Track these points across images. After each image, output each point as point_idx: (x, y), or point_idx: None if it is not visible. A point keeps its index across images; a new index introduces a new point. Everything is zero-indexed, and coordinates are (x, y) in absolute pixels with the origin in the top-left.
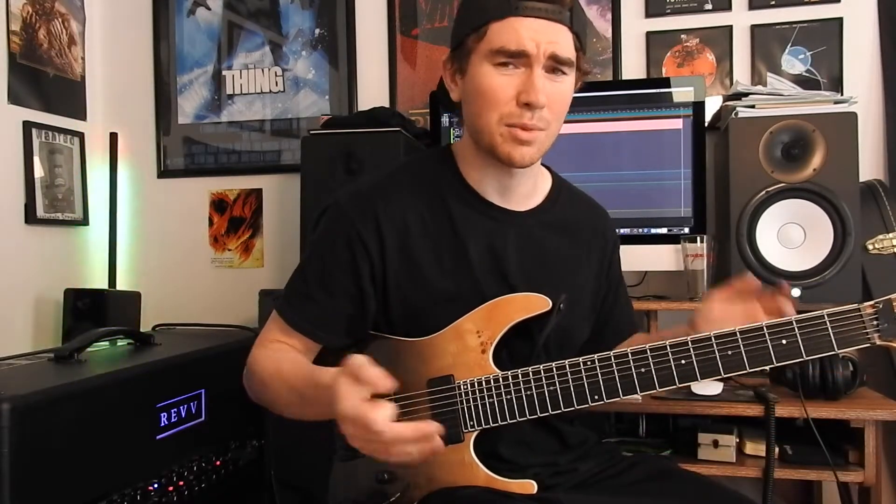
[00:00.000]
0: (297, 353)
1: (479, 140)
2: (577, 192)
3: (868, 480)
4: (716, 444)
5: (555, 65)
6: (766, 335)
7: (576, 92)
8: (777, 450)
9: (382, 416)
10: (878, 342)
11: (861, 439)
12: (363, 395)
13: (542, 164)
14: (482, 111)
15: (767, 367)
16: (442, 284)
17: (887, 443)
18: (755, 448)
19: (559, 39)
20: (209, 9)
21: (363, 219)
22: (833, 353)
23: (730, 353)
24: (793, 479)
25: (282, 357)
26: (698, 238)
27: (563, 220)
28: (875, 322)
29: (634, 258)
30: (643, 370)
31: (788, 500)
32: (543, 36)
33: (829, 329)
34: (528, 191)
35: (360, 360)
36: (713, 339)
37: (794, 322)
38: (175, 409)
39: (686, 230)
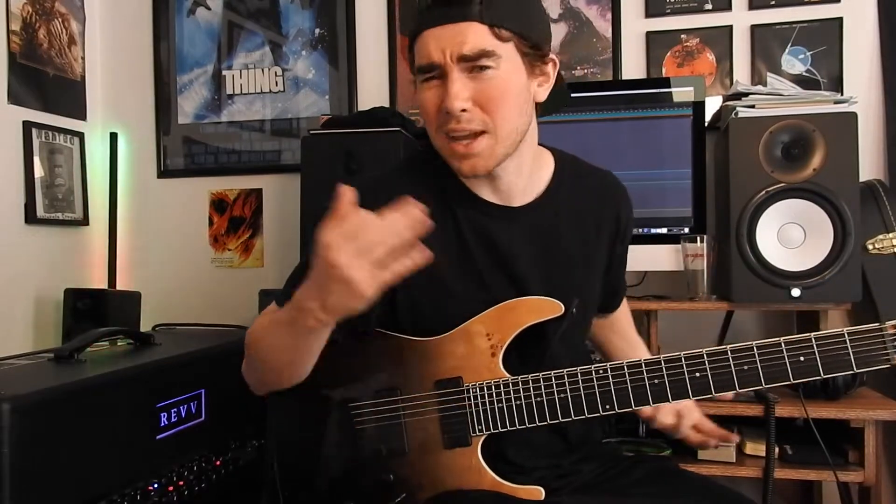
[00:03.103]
0: None
1: None
2: (585, 172)
3: (868, 480)
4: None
5: (470, 63)
6: (784, 352)
7: (574, 91)
8: (777, 450)
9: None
10: None
11: (861, 439)
12: None
13: (545, 147)
14: (426, 126)
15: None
16: (450, 284)
17: (887, 443)
18: (755, 448)
19: (465, 38)
20: (209, 9)
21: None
22: (851, 372)
23: (746, 367)
24: (793, 479)
25: (270, 313)
26: (698, 238)
27: (569, 207)
28: None
29: (634, 258)
30: (656, 381)
31: (788, 500)
32: (448, 41)
33: (849, 348)
34: (524, 184)
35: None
36: (729, 352)
37: (813, 339)
38: (175, 409)
39: (686, 230)
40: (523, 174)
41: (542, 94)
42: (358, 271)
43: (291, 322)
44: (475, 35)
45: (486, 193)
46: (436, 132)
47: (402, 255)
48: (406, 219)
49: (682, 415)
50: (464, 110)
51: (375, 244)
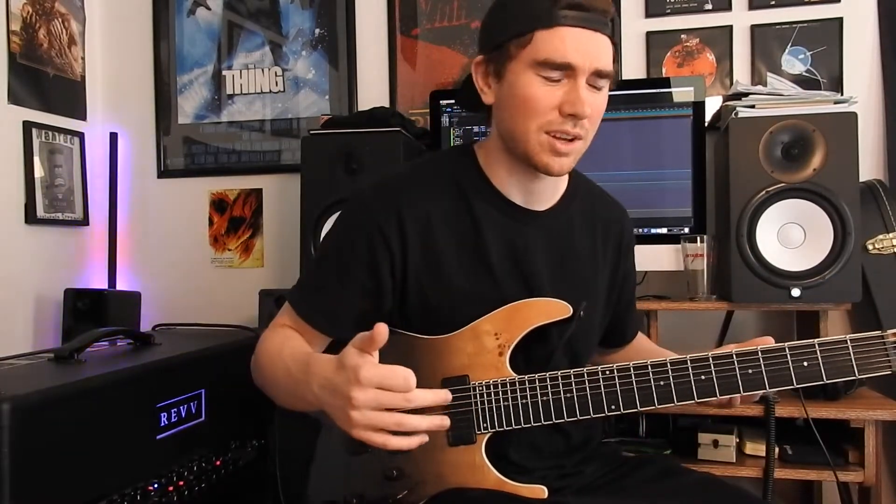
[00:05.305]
0: (302, 340)
1: (513, 147)
2: (594, 187)
3: (868, 480)
4: (716, 444)
5: (596, 78)
6: (788, 356)
7: None
8: (777, 450)
9: (410, 374)
10: None
11: (861, 439)
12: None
13: None
14: (521, 119)
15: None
16: (461, 282)
17: (887, 443)
18: (755, 448)
19: (602, 52)
20: (209, 9)
21: (385, 212)
22: (853, 377)
23: (750, 371)
24: (793, 479)
25: (286, 340)
26: (698, 238)
27: (581, 216)
28: None
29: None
30: (662, 383)
31: (788, 500)
32: (589, 48)
33: (851, 354)
34: (552, 192)
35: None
36: (734, 356)
37: (816, 345)
38: (175, 409)
39: (686, 230)
40: (555, 182)
41: None
42: (361, 417)
43: (297, 378)
44: (608, 52)
45: (516, 195)
46: (537, 127)
47: (405, 432)
48: (436, 398)
49: None
50: (586, 118)
51: (392, 408)
